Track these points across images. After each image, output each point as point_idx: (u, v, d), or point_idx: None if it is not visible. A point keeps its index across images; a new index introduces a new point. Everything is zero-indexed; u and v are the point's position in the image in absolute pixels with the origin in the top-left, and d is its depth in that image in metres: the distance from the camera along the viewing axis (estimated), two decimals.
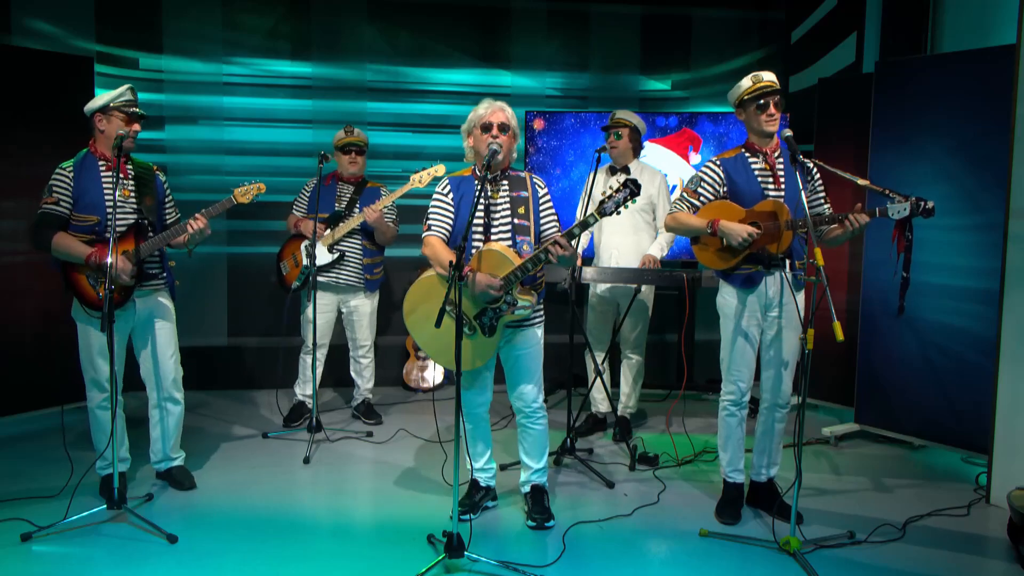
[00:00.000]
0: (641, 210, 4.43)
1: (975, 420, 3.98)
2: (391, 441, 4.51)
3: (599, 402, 4.71)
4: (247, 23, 5.62)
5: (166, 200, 3.64)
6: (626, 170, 4.46)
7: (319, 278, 4.52)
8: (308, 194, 4.68)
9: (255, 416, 4.97)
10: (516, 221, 3.23)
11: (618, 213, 3.05)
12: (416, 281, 3.27)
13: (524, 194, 3.28)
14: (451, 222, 3.26)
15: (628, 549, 3.18)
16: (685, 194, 3.43)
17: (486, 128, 3.19)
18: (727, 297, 3.43)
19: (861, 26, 5.34)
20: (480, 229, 3.22)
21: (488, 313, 3.15)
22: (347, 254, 4.58)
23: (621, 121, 4.41)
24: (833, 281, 4.03)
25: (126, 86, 3.45)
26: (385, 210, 4.53)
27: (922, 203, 3.01)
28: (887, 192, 3.11)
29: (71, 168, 3.41)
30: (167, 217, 3.63)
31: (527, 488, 3.45)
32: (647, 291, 4.55)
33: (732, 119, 5.34)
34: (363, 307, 4.72)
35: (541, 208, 3.32)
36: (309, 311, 4.52)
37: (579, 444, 4.31)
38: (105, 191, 3.38)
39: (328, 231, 4.54)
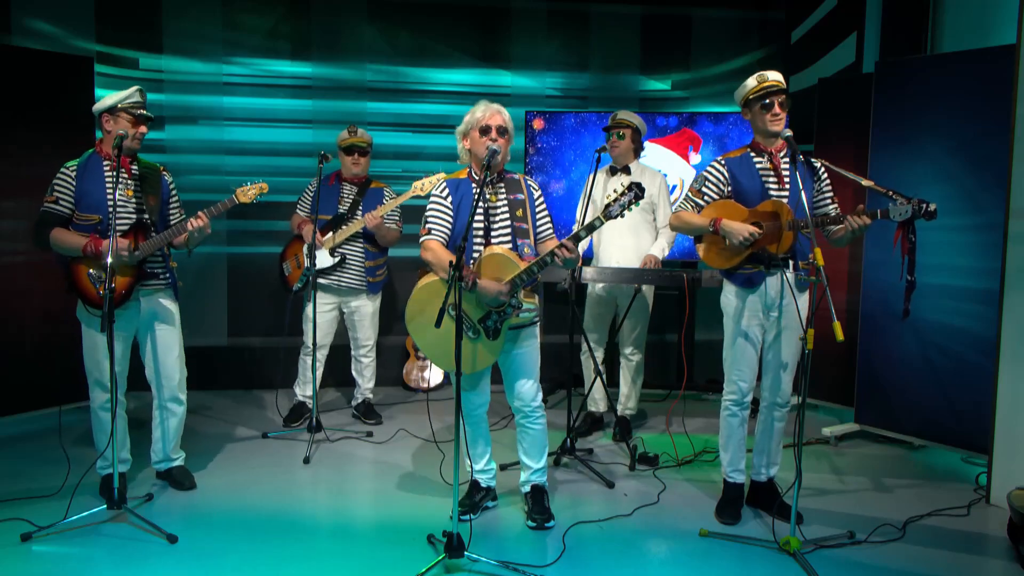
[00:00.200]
0: (641, 210, 4.43)
1: (975, 420, 3.98)
2: (391, 441, 4.51)
3: (597, 401, 4.71)
4: (247, 23, 5.62)
5: (171, 200, 3.63)
6: (626, 170, 4.46)
7: (321, 280, 4.52)
8: (312, 193, 4.68)
9: (255, 416, 4.97)
10: (516, 224, 3.23)
11: (622, 216, 3.05)
12: (417, 286, 3.24)
13: (521, 196, 3.29)
14: (451, 225, 3.24)
15: (628, 549, 3.18)
16: (690, 193, 3.44)
17: (484, 131, 3.18)
18: (729, 296, 3.44)
19: (861, 26, 5.33)
20: (480, 232, 3.22)
21: (493, 316, 3.15)
22: (349, 257, 4.57)
23: (623, 121, 4.41)
24: (833, 281, 4.03)
25: (135, 87, 3.44)
26: (387, 213, 4.53)
27: (924, 205, 3.00)
28: (890, 193, 3.10)
29: (75, 168, 3.42)
30: (171, 217, 3.63)
31: (527, 488, 3.45)
32: (647, 290, 4.55)
33: (732, 119, 5.34)
34: (365, 308, 4.71)
35: (537, 210, 3.33)
36: (310, 311, 4.53)
37: (579, 444, 4.32)
38: (108, 191, 3.38)
39: (330, 234, 4.53)
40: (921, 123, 4.28)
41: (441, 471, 3.88)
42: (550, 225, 3.37)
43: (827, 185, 3.41)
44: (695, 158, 5.39)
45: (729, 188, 3.39)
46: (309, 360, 4.59)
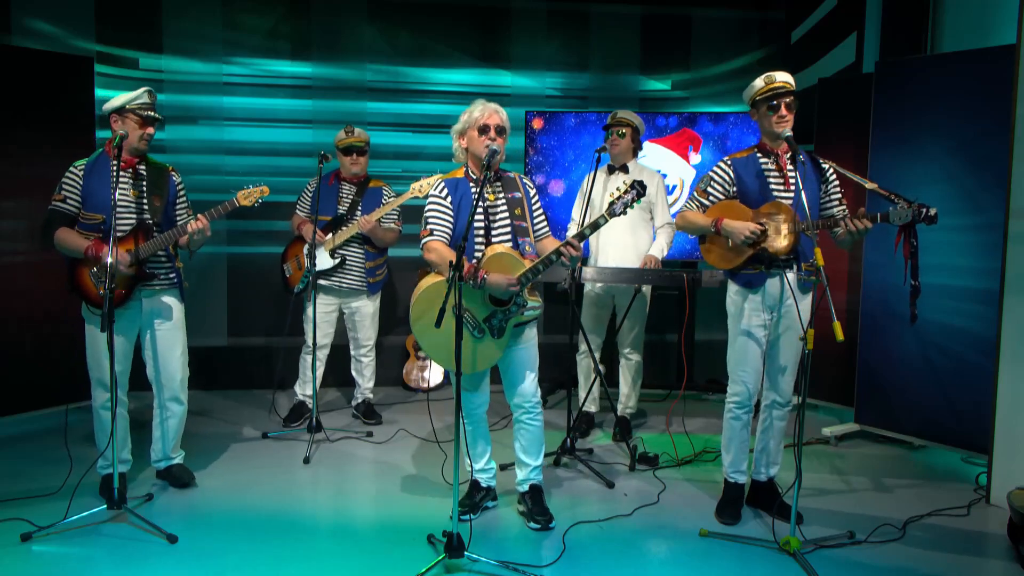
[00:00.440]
0: (639, 209, 4.43)
1: (975, 420, 3.98)
2: (391, 441, 4.51)
3: (595, 401, 4.71)
4: (247, 23, 5.62)
5: (178, 200, 3.63)
6: (624, 169, 4.47)
7: (322, 281, 4.52)
8: (311, 193, 4.68)
9: (255, 416, 4.97)
10: (515, 223, 3.23)
11: (624, 213, 3.09)
12: (422, 287, 3.20)
13: (518, 195, 3.29)
14: (452, 225, 3.23)
15: (628, 549, 3.18)
16: (695, 193, 3.45)
17: (483, 130, 3.18)
18: (733, 297, 3.44)
19: (861, 26, 5.33)
20: (481, 232, 3.21)
21: (498, 316, 3.14)
22: (349, 258, 4.57)
23: (624, 120, 4.42)
24: (833, 281, 4.03)
25: (144, 88, 3.43)
26: (386, 213, 4.53)
27: (924, 210, 3.00)
28: (892, 196, 3.10)
29: (82, 167, 3.44)
30: (178, 218, 3.62)
31: (525, 487, 3.44)
32: (645, 290, 4.56)
33: (732, 119, 5.33)
34: (365, 308, 4.72)
35: (533, 208, 3.34)
36: (310, 310, 4.53)
37: (578, 444, 4.31)
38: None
39: (330, 236, 4.53)
40: (921, 123, 4.28)
41: (443, 471, 3.88)
42: (546, 223, 3.40)
43: (835, 187, 3.40)
44: (695, 158, 5.39)
45: (734, 188, 3.39)
46: (309, 360, 4.60)
